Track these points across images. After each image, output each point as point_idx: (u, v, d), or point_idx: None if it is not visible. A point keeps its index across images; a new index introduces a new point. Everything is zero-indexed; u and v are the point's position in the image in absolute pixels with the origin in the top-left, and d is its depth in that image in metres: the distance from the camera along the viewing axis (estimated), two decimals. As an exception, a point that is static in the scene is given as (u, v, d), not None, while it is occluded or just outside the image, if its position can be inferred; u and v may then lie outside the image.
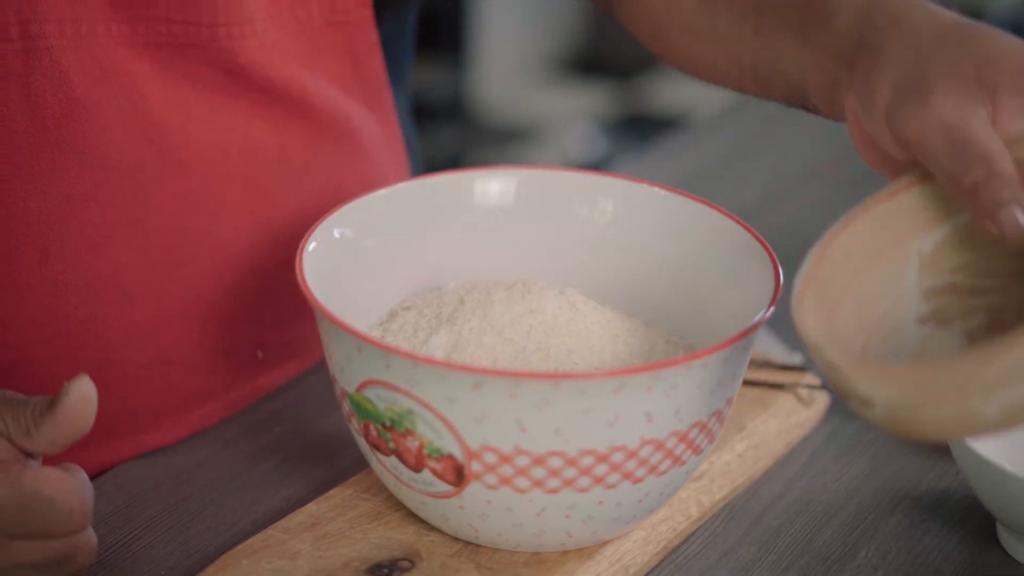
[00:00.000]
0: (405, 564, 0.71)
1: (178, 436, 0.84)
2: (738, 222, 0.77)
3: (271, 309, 0.86)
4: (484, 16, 2.88)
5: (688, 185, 1.15)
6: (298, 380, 0.89)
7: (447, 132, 2.74)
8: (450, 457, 0.67)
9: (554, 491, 0.67)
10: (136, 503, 0.78)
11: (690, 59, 0.87)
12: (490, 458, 0.66)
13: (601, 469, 0.67)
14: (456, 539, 0.72)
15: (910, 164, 0.69)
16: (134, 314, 0.80)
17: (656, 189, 0.80)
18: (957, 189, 0.65)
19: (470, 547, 0.72)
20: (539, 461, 0.66)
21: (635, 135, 2.83)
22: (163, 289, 0.81)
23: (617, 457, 0.67)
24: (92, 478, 0.79)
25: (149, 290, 0.80)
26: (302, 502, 0.76)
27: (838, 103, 0.74)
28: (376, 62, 0.88)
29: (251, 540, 0.72)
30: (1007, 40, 0.69)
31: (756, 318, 0.68)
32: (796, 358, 0.90)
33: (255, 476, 0.80)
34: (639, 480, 0.68)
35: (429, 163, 1.08)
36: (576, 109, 3.00)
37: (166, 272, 0.81)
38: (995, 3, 2.85)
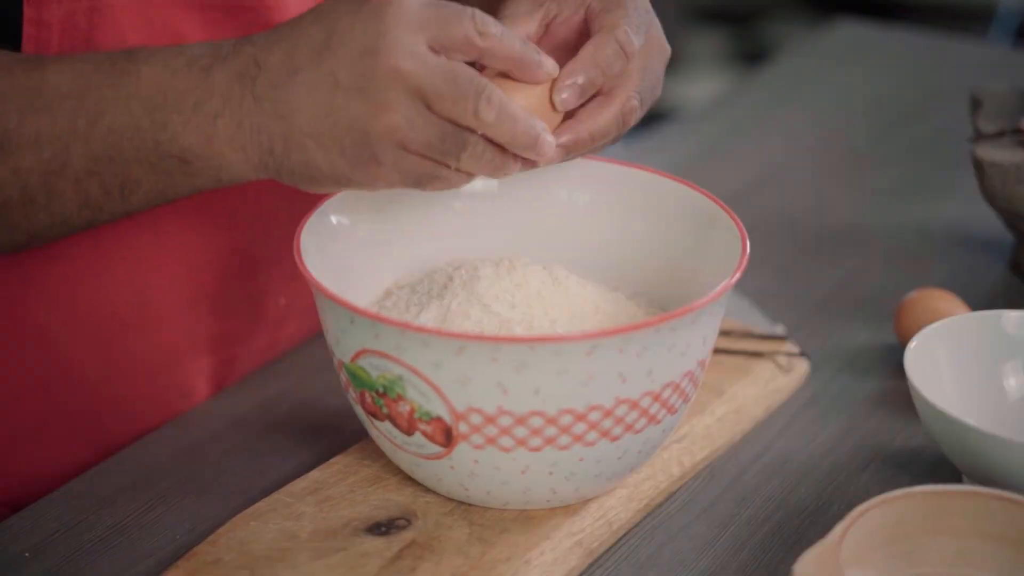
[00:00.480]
0: (402, 523, 0.76)
1: (207, 377, 0.90)
2: (708, 196, 0.82)
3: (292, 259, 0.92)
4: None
5: (679, 172, 1.20)
6: (301, 363, 0.94)
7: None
8: (439, 420, 0.72)
9: (537, 449, 0.72)
10: (155, 475, 0.83)
11: None
12: (475, 419, 0.71)
13: (580, 428, 0.72)
14: (450, 499, 0.77)
15: None
16: (171, 255, 0.86)
17: (631, 169, 0.85)
18: None
19: (463, 506, 0.77)
20: (521, 421, 0.71)
21: (639, 129, 2.86)
22: (196, 231, 0.87)
23: (594, 416, 0.72)
24: (115, 451, 0.85)
25: (183, 231, 0.86)
26: (307, 470, 0.81)
27: None
28: None
29: (258, 504, 0.77)
30: None
31: (720, 285, 0.73)
32: (778, 328, 0.95)
33: (264, 448, 0.86)
34: (616, 438, 0.73)
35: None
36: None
37: (199, 217, 0.86)
38: (1002, 3, 2.88)
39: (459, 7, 0.71)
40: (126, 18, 0.81)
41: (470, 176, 0.73)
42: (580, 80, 0.75)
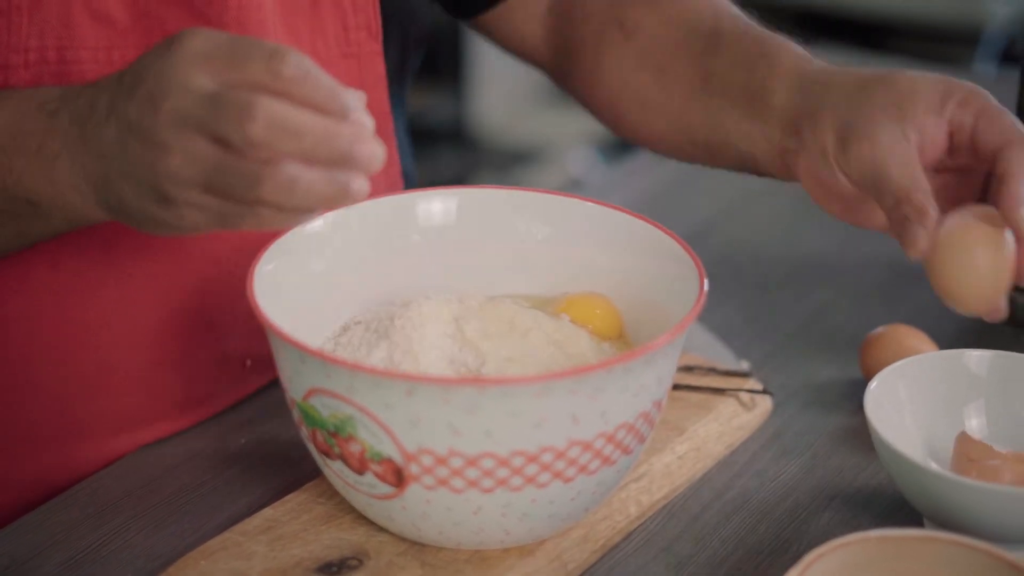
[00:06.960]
0: (354, 563, 0.75)
1: (170, 433, 0.89)
2: (668, 233, 0.81)
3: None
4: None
5: (652, 200, 1.19)
6: (263, 395, 0.93)
7: (447, 155, 2.79)
8: (389, 460, 0.71)
9: (489, 490, 0.71)
10: (108, 510, 0.83)
11: (644, 132, 0.97)
12: (427, 460, 0.70)
13: (532, 469, 0.71)
14: (403, 539, 0.77)
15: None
16: (136, 318, 0.85)
17: (588, 204, 0.84)
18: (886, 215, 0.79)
19: (416, 546, 0.76)
20: (472, 462, 0.70)
21: (614, 156, 2.86)
22: (164, 296, 0.86)
23: (546, 457, 0.71)
24: (69, 485, 0.84)
25: (150, 297, 0.86)
26: (264, 506, 0.80)
27: (790, 167, 0.87)
28: (381, 93, 0.91)
29: (209, 543, 0.76)
30: (923, 76, 0.82)
31: (675, 323, 0.73)
32: (742, 364, 0.94)
33: (220, 483, 0.85)
34: (570, 479, 0.72)
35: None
36: (576, 131, 3.04)
37: (167, 281, 0.86)
38: (991, 17, 2.88)
39: (258, 45, 0.66)
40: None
41: (304, 211, 0.68)
42: None
